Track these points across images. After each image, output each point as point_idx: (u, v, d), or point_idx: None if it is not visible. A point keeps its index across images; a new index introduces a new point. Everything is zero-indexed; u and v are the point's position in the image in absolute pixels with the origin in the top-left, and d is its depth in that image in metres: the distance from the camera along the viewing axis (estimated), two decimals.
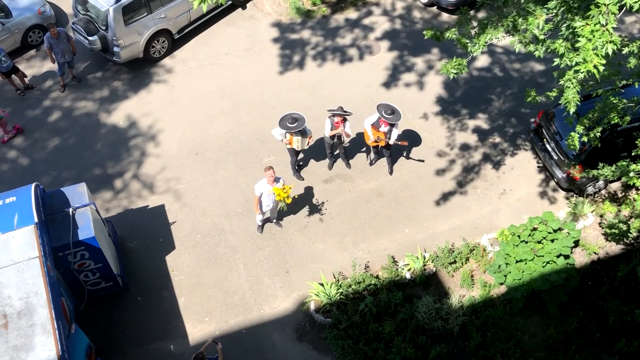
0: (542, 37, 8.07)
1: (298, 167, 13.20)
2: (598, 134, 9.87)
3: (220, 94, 14.72)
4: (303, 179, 13.18)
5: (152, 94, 14.75)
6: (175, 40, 15.47)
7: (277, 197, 11.12)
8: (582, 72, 6.65)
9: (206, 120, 14.22)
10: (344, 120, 12.22)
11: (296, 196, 12.03)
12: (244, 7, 16.57)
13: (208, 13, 15.82)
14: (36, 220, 9.41)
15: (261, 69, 15.24)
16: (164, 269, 11.91)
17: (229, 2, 16.20)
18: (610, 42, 6.52)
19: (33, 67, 15.13)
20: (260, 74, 15.15)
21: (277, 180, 11.29)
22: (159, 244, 12.23)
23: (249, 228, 12.46)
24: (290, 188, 11.20)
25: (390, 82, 14.99)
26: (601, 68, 6.64)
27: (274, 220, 12.36)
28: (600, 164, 10.32)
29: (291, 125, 11.80)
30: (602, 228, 12.20)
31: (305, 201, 12.86)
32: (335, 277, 11.75)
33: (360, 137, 13.26)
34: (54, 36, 13.68)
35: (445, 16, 16.32)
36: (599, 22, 6.49)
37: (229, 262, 12.04)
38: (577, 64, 6.97)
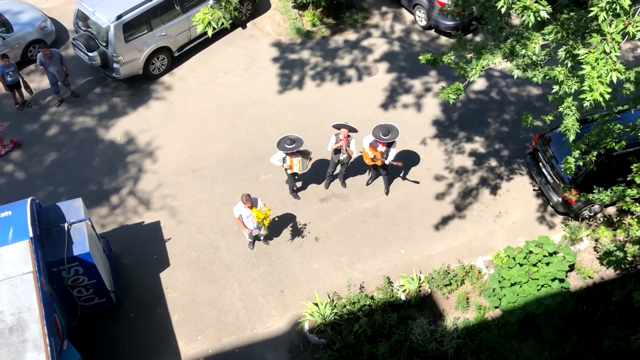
0: (539, 62, 8.14)
1: (296, 188, 13.20)
2: (593, 158, 9.93)
3: (218, 112, 14.76)
4: (299, 198, 13.18)
5: (150, 110, 14.78)
6: (175, 57, 15.55)
7: (256, 219, 11.11)
8: (588, 101, 6.67)
9: (204, 137, 14.24)
10: (349, 136, 12.26)
11: (276, 219, 12.01)
12: (244, 27, 16.70)
13: None
14: (31, 235, 9.37)
15: (260, 88, 15.31)
16: (158, 285, 11.84)
17: (230, 22, 16.32)
18: (615, 70, 6.57)
19: (33, 81, 15.18)
20: (259, 92, 15.21)
21: (254, 202, 11.17)
22: (153, 260, 12.17)
23: (244, 246, 12.42)
24: (269, 210, 11.17)
25: (388, 103, 15.07)
26: (607, 96, 6.68)
27: (262, 238, 12.33)
28: (596, 189, 10.36)
29: (290, 146, 11.80)
30: (598, 252, 12.21)
31: (301, 220, 12.84)
32: (329, 297, 11.69)
33: (359, 157, 13.28)
34: (46, 56, 13.76)
35: (443, 39, 16.47)
36: (604, 50, 6.55)
37: (224, 280, 11.98)
38: (576, 91, 7.01)
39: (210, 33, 7.50)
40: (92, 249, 10.04)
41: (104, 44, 14.30)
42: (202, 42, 15.97)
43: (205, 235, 12.59)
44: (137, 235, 12.51)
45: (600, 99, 6.63)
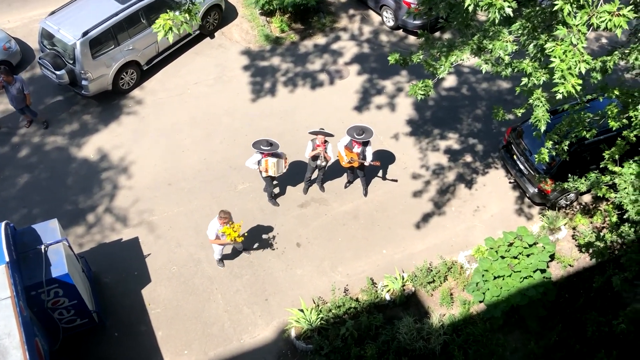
0: (507, 58, 8.25)
1: (274, 194, 13.17)
2: (566, 148, 10.07)
3: (191, 124, 14.68)
4: (278, 205, 13.15)
5: (122, 126, 14.64)
6: (144, 71, 15.43)
7: (228, 237, 11.03)
8: (561, 93, 6.76)
9: (178, 150, 14.15)
10: (326, 142, 12.28)
11: (246, 233, 11.96)
12: (212, 36, 16.64)
13: (176, 43, 15.83)
14: (7, 259, 9.18)
15: (232, 97, 15.26)
16: (140, 302, 11.71)
17: (197, 32, 16.25)
18: (583, 61, 6.67)
19: (0, 103, 14.92)
20: (231, 102, 15.17)
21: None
22: (134, 277, 12.04)
23: (227, 259, 12.34)
24: (239, 226, 11.10)
25: (362, 105, 15.14)
26: (579, 88, 6.77)
27: (242, 250, 12.26)
28: (571, 177, 10.50)
29: (266, 148, 11.79)
30: (576, 240, 12.38)
31: (281, 227, 12.82)
32: (315, 303, 11.68)
33: (335, 162, 13.29)
34: (7, 81, 13.48)
35: (412, 38, 16.61)
36: (571, 42, 6.65)
37: (207, 293, 11.89)
38: (545, 83, 7.07)
39: (171, 39, 7.26)
40: (70, 270, 9.88)
41: (71, 62, 14.12)
42: (170, 54, 15.87)
43: (185, 248, 12.49)
44: (116, 252, 12.37)
45: (573, 90, 6.72)
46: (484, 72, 8.54)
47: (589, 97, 9.99)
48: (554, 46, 6.69)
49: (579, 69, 6.70)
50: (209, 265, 12.25)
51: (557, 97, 6.83)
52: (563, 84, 6.71)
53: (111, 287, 11.89)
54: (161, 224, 12.87)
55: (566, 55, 6.62)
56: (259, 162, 12.08)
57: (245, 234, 11.88)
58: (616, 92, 8.89)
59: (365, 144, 12.30)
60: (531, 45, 7.46)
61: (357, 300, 11.67)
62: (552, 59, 6.77)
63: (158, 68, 15.80)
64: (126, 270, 12.13)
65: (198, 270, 12.20)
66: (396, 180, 13.65)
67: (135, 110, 14.99)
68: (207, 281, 12.05)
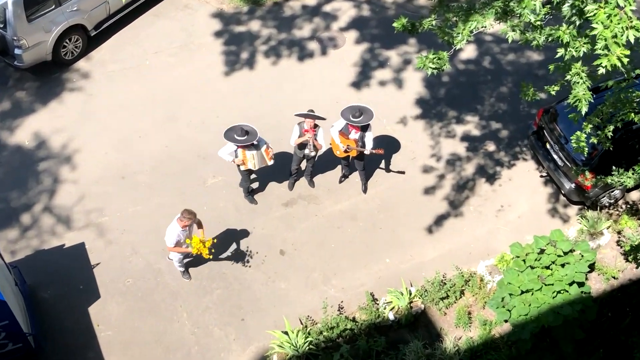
0: (538, 23, 8.25)
1: (251, 189, 13.16)
2: (610, 134, 10.09)
3: (150, 103, 14.62)
4: (257, 203, 13.14)
5: (64, 105, 14.56)
6: (92, 38, 15.33)
7: (193, 250, 11.05)
8: (604, 67, 6.75)
9: (134, 135, 14.10)
10: (316, 126, 12.26)
11: (215, 241, 11.98)
12: None
13: (131, 3, 15.74)
14: None
15: (201, 70, 15.21)
16: (86, 323, 11.69)
17: None
18: (632, 27, 6.65)
19: None
20: (200, 76, 15.11)
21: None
22: (79, 292, 12.01)
23: (192, 268, 12.33)
24: (210, 242, 11.21)
25: (360, 80, 15.12)
26: (625, 60, 6.76)
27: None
28: (616, 170, 10.53)
29: (241, 138, 11.75)
30: (622, 247, 12.44)
31: (261, 230, 12.82)
32: (302, 323, 11.70)
33: (327, 150, 13.29)
34: None
35: None
36: (617, 5, 6.63)
37: (169, 311, 11.88)
38: (586, 55, 7.06)
39: None
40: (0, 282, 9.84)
41: (1, 26, 14.03)
42: (124, 17, 15.79)
43: (143, 256, 12.47)
44: (57, 261, 12.32)
45: (619, 63, 6.72)
46: (510, 41, 8.53)
47: (638, 71, 10.01)
48: (596, 9, 6.69)
49: (627, 37, 6.70)
50: (172, 278, 12.23)
51: (599, 72, 6.83)
52: (606, 55, 6.71)
53: (51, 304, 11.85)
54: (113, 226, 12.82)
55: (611, 21, 6.62)
56: (235, 153, 12.04)
57: (214, 241, 11.79)
58: None
59: (365, 128, 12.29)
60: (565, 6, 7.45)
61: (354, 320, 11.69)
62: (593, 25, 6.77)
63: (109, 34, 15.71)
64: (69, 284, 12.09)
65: (159, 283, 12.17)
66: (403, 173, 13.67)
67: (80, 86, 14.90)
68: (170, 297, 12.03)
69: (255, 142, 11.94)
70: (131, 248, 12.58)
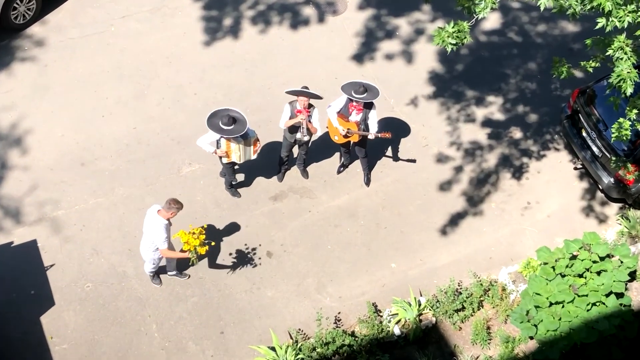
0: None
1: (235, 182, 13.16)
2: None
3: (115, 76, 14.62)
4: (240, 196, 13.16)
5: (14, 77, 14.54)
6: None
7: (185, 246, 11.01)
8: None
9: (96, 114, 14.10)
10: (310, 106, 12.25)
11: (213, 243, 11.93)
12: None
13: None
14: None
15: (176, 38, 15.21)
16: (38, 335, 11.68)
17: None
18: None
19: None
20: (174, 45, 15.11)
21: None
22: (30, 298, 12.01)
23: (161, 270, 12.34)
24: (202, 232, 11.06)
25: (364, 53, 15.14)
26: None
27: (173, 272, 12.25)
28: None
29: (227, 128, 11.66)
30: None
31: (245, 228, 12.84)
32: (292, 337, 11.74)
33: (323, 135, 13.31)
34: None
35: None
36: None
37: (136, 322, 11.90)
38: (631, 24, 7.08)
39: None
40: None
41: None
42: None
43: (105, 257, 12.49)
44: (4, 262, 12.31)
45: None
46: (542, 8, 8.55)
47: None
48: None
49: None
50: (140, 282, 12.25)
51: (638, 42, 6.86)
52: None
53: None
54: (70, 221, 12.84)
55: None
56: (217, 143, 12.03)
57: (212, 243, 11.74)
58: None
59: (369, 106, 12.30)
60: None
61: (352, 334, 11.71)
62: None
63: None
64: (18, 288, 12.09)
65: (123, 288, 12.19)
66: (414, 161, 13.70)
67: (33, 55, 14.89)
68: (137, 305, 12.06)
69: (243, 133, 11.88)
70: (91, 247, 12.58)
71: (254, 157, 12.35)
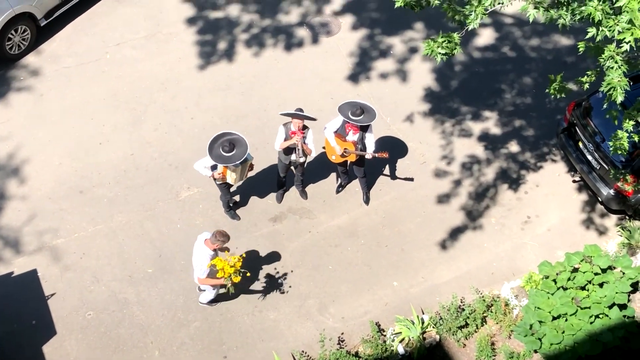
0: None
1: (232, 203, 13.16)
2: None
3: (112, 103, 14.64)
4: (239, 219, 13.14)
5: (10, 107, 14.57)
6: (42, 28, 15.36)
7: (219, 273, 10.98)
8: (627, 42, 6.80)
9: (93, 141, 14.11)
10: (305, 128, 12.26)
11: (248, 273, 11.86)
12: None
13: None
14: None
15: (171, 64, 15.25)
16: None
17: None
18: None
19: None
20: (170, 70, 15.15)
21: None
22: (31, 328, 11.97)
23: (164, 296, 12.32)
24: (240, 260, 11.04)
25: (359, 73, 15.18)
26: None
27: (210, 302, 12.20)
28: None
29: (228, 155, 11.58)
30: None
31: (245, 250, 12.78)
32: (295, 359, 11.66)
33: (321, 154, 13.31)
34: None
35: None
36: None
37: (138, 349, 11.86)
38: (620, 32, 7.15)
39: None
40: None
41: None
42: (80, 3, 15.83)
43: (106, 284, 12.45)
44: (5, 293, 12.29)
45: None
46: (531, 20, 8.57)
47: None
48: None
49: None
50: (141, 309, 12.21)
51: (623, 48, 6.87)
52: (629, 29, 6.77)
53: None
54: (70, 249, 12.82)
55: None
56: (213, 167, 12.02)
57: (248, 274, 11.67)
58: None
59: (365, 128, 12.32)
60: None
61: (357, 355, 11.68)
62: None
63: (63, 23, 15.78)
64: (20, 319, 12.05)
65: (125, 316, 12.15)
66: (411, 180, 13.70)
67: (29, 85, 14.92)
68: (139, 331, 12.01)
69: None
70: (92, 275, 12.55)
71: (245, 178, 12.38)
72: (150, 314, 12.18)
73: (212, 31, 15.82)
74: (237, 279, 11.05)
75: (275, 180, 13.30)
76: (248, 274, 11.55)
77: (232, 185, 12.69)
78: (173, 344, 11.91)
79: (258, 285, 12.49)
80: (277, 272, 12.65)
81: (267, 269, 12.66)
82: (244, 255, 11.26)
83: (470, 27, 8.80)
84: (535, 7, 8.45)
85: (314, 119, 12.28)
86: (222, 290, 12.00)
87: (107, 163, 13.84)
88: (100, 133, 14.23)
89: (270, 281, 12.55)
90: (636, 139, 10.25)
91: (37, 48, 15.44)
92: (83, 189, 13.52)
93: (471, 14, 8.71)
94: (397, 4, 9.41)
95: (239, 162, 11.65)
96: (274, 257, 12.80)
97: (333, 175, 13.68)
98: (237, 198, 13.37)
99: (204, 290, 11.92)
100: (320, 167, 13.61)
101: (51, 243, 12.89)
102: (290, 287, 12.50)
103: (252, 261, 12.70)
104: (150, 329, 12.04)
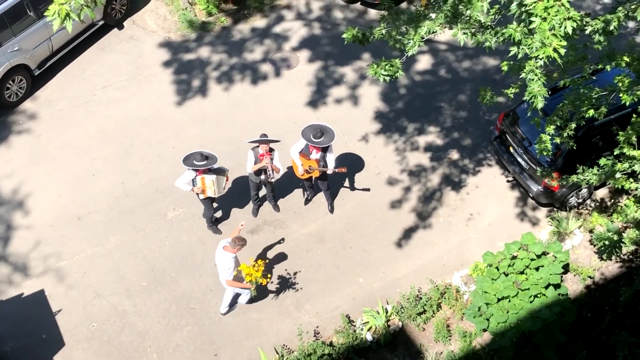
0: (489, 23, 8.42)
1: (214, 219, 13.13)
2: (572, 133, 10.31)
3: (101, 139, 14.55)
4: (221, 233, 13.10)
5: (12, 149, 14.41)
6: (36, 77, 15.24)
7: (247, 278, 10.93)
8: (541, 59, 6.96)
9: (87, 174, 14.00)
10: (271, 150, 12.30)
11: (269, 276, 11.73)
12: (120, 27, 16.54)
13: (74, 39, 15.68)
14: None
15: (152, 102, 15.20)
16: None
17: (101, 22, 16.12)
18: (569, 18, 6.88)
19: None
20: (151, 107, 15.10)
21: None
22: (42, 342, 11.83)
23: (159, 305, 12.24)
24: (262, 265, 11.00)
25: (317, 99, 15.26)
26: (562, 51, 6.98)
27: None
28: (580, 168, 10.74)
29: (200, 163, 11.76)
30: (595, 245, 12.65)
31: None
32: (278, 353, 11.66)
33: (289, 171, 13.35)
34: None
35: (372, 13, 16.84)
36: None
37: (138, 353, 11.76)
38: (536, 49, 7.31)
39: (70, 28, 7.33)
40: None
41: None
42: (69, 53, 15.72)
43: (106, 298, 12.33)
44: (17, 312, 12.15)
45: (555, 55, 6.92)
46: (462, 44, 8.70)
47: (593, 67, 10.27)
48: (535, 2, 6.89)
49: (565, 28, 6.90)
50: (139, 318, 12.11)
51: (537, 64, 7.00)
52: (542, 47, 6.94)
53: (14, 358, 11.65)
54: (72, 270, 12.69)
55: (548, 13, 6.82)
56: (193, 182, 12.03)
57: (269, 277, 11.61)
58: (626, 59, 9.14)
59: (326, 148, 12.40)
60: (514, 4, 7.65)
61: (331, 344, 11.68)
62: (532, 19, 6.98)
63: (54, 71, 15.64)
64: (31, 334, 11.91)
65: (125, 325, 12.04)
66: (368, 190, 13.77)
67: (28, 128, 14.78)
68: (138, 338, 11.91)
69: (215, 167, 11.96)
70: (93, 291, 12.43)
71: (224, 191, 12.37)
72: (147, 322, 12.10)
73: (186, 71, 15.81)
74: (265, 281, 11.10)
75: (249, 197, 13.29)
76: (269, 276, 11.49)
77: (214, 200, 12.66)
78: (169, 346, 11.83)
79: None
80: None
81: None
82: (266, 261, 11.23)
83: (410, 53, 8.91)
84: (464, 33, 8.58)
85: (277, 141, 12.33)
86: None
87: (101, 192, 13.74)
88: (93, 166, 14.14)
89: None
90: (558, 141, 10.44)
91: (33, 95, 15.31)
92: (81, 216, 13.41)
93: (409, 42, 8.82)
94: (347, 40, 9.53)
95: (210, 166, 11.81)
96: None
97: (300, 189, 13.72)
98: (218, 214, 13.34)
99: (230, 300, 11.92)
100: (289, 183, 13.64)
101: (55, 265, 12.76)
102: (270, 289, 12.48)
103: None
104: (148, 335, 11.95)
